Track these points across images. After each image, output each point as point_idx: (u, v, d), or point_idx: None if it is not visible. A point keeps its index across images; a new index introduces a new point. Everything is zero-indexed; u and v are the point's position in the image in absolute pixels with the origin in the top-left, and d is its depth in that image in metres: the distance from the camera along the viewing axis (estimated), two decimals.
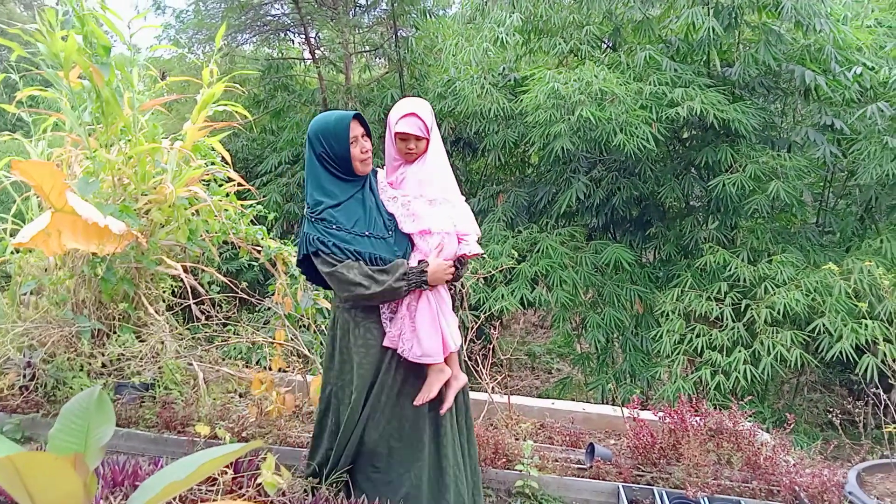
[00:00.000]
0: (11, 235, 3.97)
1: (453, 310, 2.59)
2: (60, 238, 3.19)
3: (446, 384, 2.48)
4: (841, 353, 4.58)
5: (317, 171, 2.46)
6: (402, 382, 2.48)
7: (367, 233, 2.41)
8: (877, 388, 3.52)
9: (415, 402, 2.44)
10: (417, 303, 2.41)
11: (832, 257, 5.51)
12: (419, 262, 2.41)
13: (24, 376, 3.52)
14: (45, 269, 3.85)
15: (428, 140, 2.47)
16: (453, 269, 2.45)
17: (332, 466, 2.58)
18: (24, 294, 3.83)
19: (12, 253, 3.86)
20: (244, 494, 2.56)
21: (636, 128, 5.60)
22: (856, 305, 4.73)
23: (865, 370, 4.47)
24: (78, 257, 3.75)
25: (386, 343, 2.44)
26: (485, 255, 5.78)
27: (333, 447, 2.57)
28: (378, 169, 2.64)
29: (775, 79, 6.12)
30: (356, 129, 2.43)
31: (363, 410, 2.47)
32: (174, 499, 2.35)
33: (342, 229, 2.39)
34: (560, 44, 6.47)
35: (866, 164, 5.26)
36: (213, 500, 2.40)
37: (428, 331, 2.39)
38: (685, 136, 6.88)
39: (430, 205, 2.46)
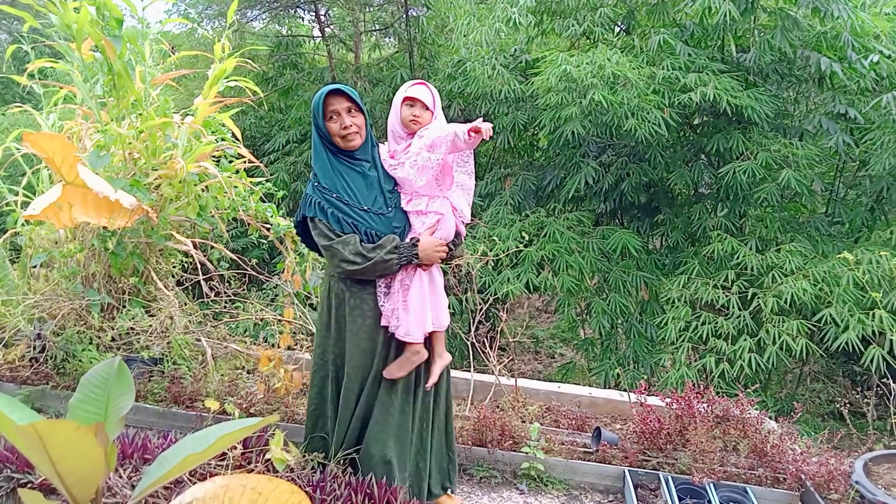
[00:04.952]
0: (22, 207, 3.97)
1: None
2: (71, 211, 3.20)
3: (430, 361, 2.55)
4: (847, 343, 4.58)
5: (316, 140, 2.51)
6: (395, 357, 2.53)
7: (365, 207, 2.45)
8: (885, 377, 3.52)
9: (384, 374, 2.50)
10: (411, 281, 2.46)
11: (841, 247, 5.47)
12: (411, 238, 2.46)
13: (35, 348, 3.55)
14: (56, 242, 3.86)
15: (433, 113, 2.51)
16: (446, 248, 2.48)
17: (341, 439, 2.61)
18: (35, 266, 3.84)
19: (23, 225, 3.87)
20: (254, 469, 2.59)
21: (648, 113, 5.54)
22: (863, 296, 4.72)
23: (871, 361, 4.47)
24: (88, 231, 3.75)
25: (382, 322, 2.49)
26: (494, 238, 5.76)
27: (338, 416, 2.62)
28: (381, 143, 2.65)
29: (790, 66, 6.05)
30: (337, 104, 2.42)
31: (365, 383, 2.53)
32: (186, 473, 2.37)
33: (341, 200, 2.43)
34: (573, 26, 6.39)
35: (879, 154, 5.21)
36: (224, 475, 2.42)
37: (417, 309, 2.43)
38: (696, 122, 6.82)
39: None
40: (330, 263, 2.50)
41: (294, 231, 4.03)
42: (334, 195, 2.43)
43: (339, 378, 2.61)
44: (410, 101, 2.48)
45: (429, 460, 2.66)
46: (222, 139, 4.20)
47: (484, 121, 2.34)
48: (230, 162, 4.20)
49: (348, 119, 2.42)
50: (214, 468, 2.60)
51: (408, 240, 2.46)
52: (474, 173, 2.64)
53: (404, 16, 8.91)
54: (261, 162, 4.84)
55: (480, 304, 4.26)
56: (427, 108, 2.48)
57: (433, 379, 2.57)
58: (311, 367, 2.71)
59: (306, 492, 2.38)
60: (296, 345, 3.91)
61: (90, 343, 3.54)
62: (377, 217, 2.46)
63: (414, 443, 2.60)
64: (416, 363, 2.50)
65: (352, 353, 2.53)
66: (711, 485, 2.93)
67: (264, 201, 4.17)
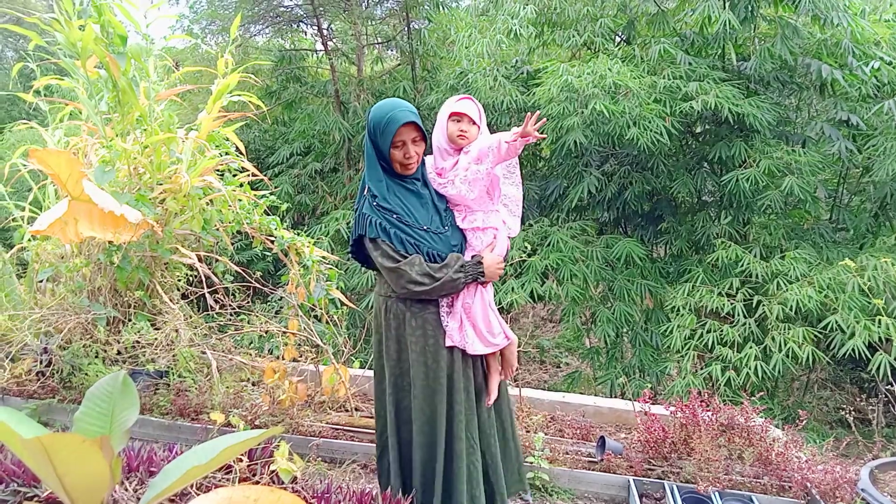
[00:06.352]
0: (29, 223, 4.01)
1: None
2: (77, 226, 3.23)
3: (488, 377, 2.56)
4: (853, 350, 4.56)
5: (372, 157, 2.43)
6: (473, 374, 2.52)
7: (425, 227, 2.41)
8: (891, 385, 3.50)
9: (503, 378, 2.60)
10: (473, 298, 2.44)
11: (845, 254, 5.46)
12: (473, 256, 2.46)
13: (41, 362, 3.57)
14: (62, 257, 3.89)
15: (479, 128, 2.50)
16: (504, 264, 2.50)
17: (424, 468, 2.50)
18: (41, 281, 3.87)
19: (30, 240, 3.90)
20: (259, 481, 2.59)
21: (650, 122, 5.57)
22: (869, 302, 4.70)
23: (878, 368, 4.45)
24: (94, 245, 3.78)
25: (448, 343, 2.43)
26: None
27: (400, 442, 2.56)
28: (426, 157, 2.57)
29: (790, 73, 6.07)
30: (406, 134, 2.35)
31: (434, 402, 2.45)
32: (191, 485, 2.37)
33: (402, 221, 2.39)
34: (574, 36, 6.44)
35: (882, 160, 5.22)
36: (229, 487, 2.42)
37: (484, 320, 2.45)
38: (698, 130, 6.84)
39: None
40: (395, 285, 2.41)
41: (297, 243, 4.09)
42: (395, 215, 2.38)
43: (403, 399, 2.53)
44: (457, 115, 2.45)
45: (501, 472, 2.62)
46: (226, 153, 4.23)
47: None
48: (234, 175, 4.24)
49: (413, 149, 2.38)
50: (220, 480, 2.60)
51: (467, 257, 2.45)
52: (521, 184, 2.63)
53: (406, 29, 8.97)
54: (265, 175, 4.87)
55: None
56: (474, 123, 2.46)
57: (493, 395, 2.54)
58: (375, 392, 2.66)
59: (310, 503, 2.38)
60: (300, 356, 3.92)
61: (96, 357, 3.56)
62: (436, 236, 2.42)
63: (485, 456, 2.57)
64: (517, 354, 2.60)
65: (416, 372, 2.45)
66: (717, 493, 2.92)
67: (268, 214, 4.20)
